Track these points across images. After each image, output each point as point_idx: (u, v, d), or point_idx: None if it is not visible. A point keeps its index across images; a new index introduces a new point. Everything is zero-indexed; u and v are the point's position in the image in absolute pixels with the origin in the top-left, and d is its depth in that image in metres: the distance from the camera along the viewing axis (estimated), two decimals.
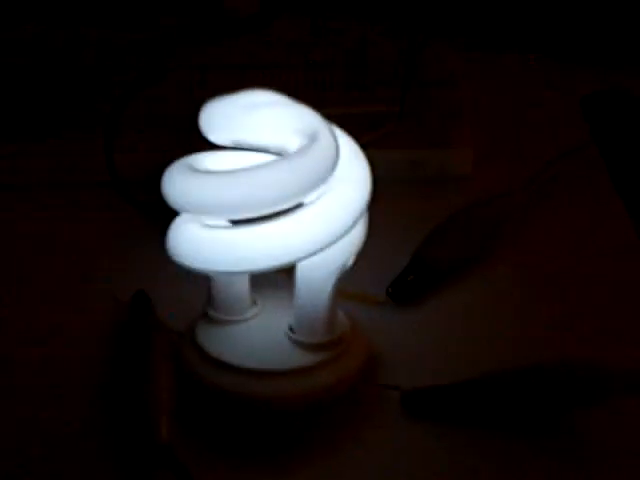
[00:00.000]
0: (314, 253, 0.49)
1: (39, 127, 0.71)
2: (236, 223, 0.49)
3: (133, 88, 0.68)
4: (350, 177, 0.50)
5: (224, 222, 0.49)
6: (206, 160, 0.51)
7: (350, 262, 0.53)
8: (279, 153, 0.50)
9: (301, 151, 0.47)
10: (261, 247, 0.48)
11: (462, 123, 0.71)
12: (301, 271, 0.52)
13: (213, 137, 0.51)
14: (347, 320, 0.56)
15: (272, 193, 0.47)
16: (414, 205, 0.68)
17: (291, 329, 0.54)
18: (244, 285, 0.55)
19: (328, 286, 0.52)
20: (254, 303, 0.56)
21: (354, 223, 0.50)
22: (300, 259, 0.49)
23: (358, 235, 0.52)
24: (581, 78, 0.80)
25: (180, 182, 0.48)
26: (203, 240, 0.49)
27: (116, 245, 0.65)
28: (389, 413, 0.54)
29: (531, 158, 0.71)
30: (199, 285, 0.55)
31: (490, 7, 0.83)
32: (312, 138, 0.48)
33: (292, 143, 0.49)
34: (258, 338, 0.54)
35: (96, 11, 0.81)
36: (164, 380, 0.52)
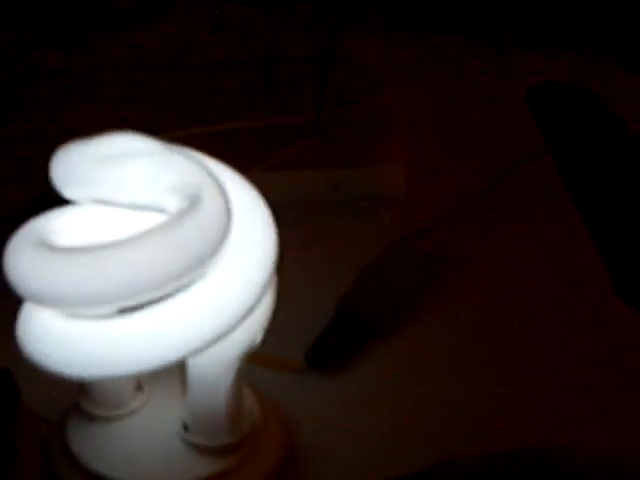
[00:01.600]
0: (205, 347, 0.37)
1: None
2: None
3: None
4: (248, 241, 0.38)
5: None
6: (61, 223, 0.39)
7: (257, 341, 0.41)
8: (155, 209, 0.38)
9: (179, 219, 0.36)
10: (132, 345, 0.36)
11: (391, 134, 0.60)
12: (192, 363, 0.41)
13: (69, 193, 0.39)
14: (257, 404, 0.45)
15: (144, 278, 0.35)
16: (338, 238, 0.56)
17: (185, 427, 0.43)
18: None
19: (229, 377, 0.41)
20: (139, 389, 0.45)
21: (256, 302, 0.38)
22: (185, 356, 0.38)
23: (264, 309, 0.40)
24: (528, 67, 0.69)
25: (28, 266, 0.36)
26: (58, 336, 0.37)
27: None
28: None
29: (475, 169, 0.61)
30: None
31: None
32: (194, 200, 0.36)
33: (168, 203, 0.37)
34: (143, 439, 0.43)
35: None
36: None
